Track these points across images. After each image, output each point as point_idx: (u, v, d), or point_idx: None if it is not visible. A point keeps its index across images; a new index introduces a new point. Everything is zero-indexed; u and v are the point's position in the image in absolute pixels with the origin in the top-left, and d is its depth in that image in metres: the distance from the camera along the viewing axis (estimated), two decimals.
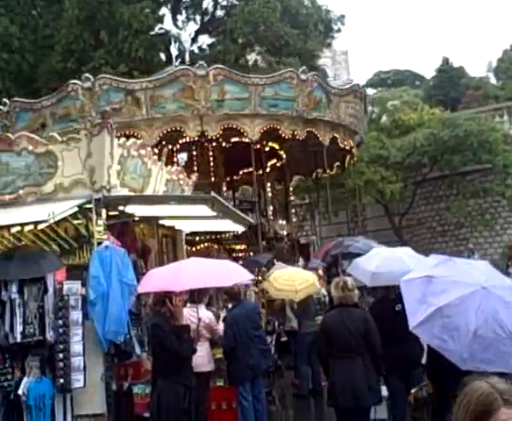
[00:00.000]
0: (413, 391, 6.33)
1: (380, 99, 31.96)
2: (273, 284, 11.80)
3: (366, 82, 46.64)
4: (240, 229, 12.35)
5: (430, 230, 31.53)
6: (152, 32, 25.10)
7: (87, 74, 16.93)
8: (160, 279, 7.45)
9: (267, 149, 19.81)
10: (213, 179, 19.07)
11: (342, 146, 19.03)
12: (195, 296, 8.53)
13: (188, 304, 8.52)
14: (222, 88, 16.31)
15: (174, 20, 29.20)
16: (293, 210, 24.07)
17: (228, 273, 8.05)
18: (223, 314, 9.56)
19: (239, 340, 8.30)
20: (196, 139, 16.94)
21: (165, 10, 28.66)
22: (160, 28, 26.10)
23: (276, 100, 16.87)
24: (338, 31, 30.71)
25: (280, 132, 17.17)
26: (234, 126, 16.69)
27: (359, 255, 10.29)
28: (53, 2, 26.98)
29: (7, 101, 17.96)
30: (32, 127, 16.00)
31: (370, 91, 35.36)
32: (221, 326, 8.75)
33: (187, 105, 16.22)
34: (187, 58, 21.12)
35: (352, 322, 6.87)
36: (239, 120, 16.67)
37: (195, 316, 8.37)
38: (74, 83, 16.43)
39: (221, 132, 16.68)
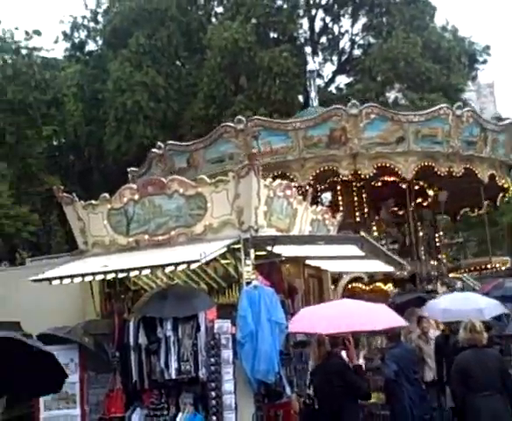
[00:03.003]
0: None
1: None
2: None
3: None
4: (389, 269, 12.00)
5: None
6: (291, 75, 25.42)
7: (456, 105, 17.49)
8: (315, 320, 7.25)
9: (416, 187, 19.40)
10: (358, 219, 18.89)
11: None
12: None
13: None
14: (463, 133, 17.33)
15: (312, 62, 29.55)
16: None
17: (381, 316, 7.73)
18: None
19: (398, 381, 7.97)
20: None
21: (305, 51, 29.09)
22: (299, 70, 26.42)
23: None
24: (484, 62, 29.61)
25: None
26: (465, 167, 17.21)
27: None
28: (195, 52, 28.29)
29: (360, 103, 16.93)
30: (386, 138, 16.36)
31: None
32: None
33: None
34: (315, 100, 21.02)
35: (491, 361, 6.94)
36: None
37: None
38: (446, 108, 17.09)
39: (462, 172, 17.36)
